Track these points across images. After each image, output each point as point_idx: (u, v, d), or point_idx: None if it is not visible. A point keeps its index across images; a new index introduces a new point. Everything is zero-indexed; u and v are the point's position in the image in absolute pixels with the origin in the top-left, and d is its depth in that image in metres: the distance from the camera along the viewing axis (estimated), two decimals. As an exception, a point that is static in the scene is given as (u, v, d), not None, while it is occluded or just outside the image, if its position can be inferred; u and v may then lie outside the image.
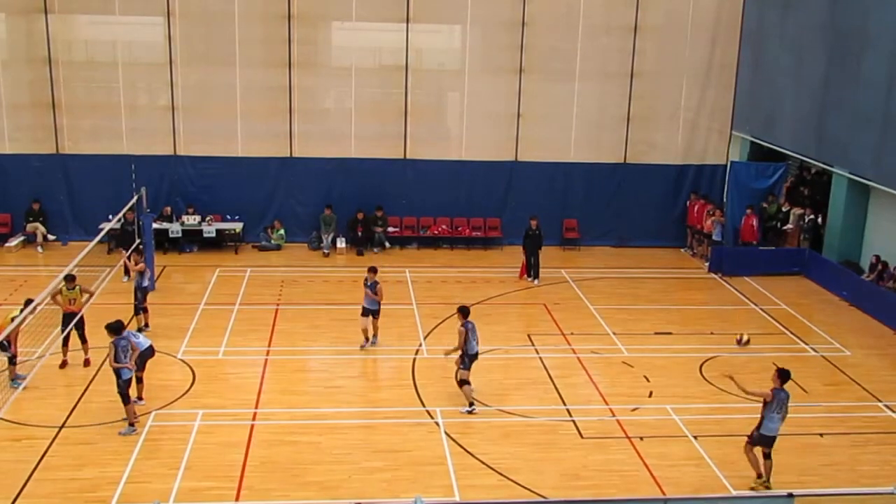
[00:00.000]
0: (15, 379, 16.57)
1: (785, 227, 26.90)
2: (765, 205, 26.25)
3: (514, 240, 25.80)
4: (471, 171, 27.14)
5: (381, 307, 19.15)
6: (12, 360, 16.65)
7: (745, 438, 14.19)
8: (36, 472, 14.07)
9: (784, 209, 27.27)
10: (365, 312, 19.01)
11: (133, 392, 15.78)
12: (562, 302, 22.69)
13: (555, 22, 26.66)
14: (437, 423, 15.98)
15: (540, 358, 19.00)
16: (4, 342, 15.85)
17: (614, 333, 20.55)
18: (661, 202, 27.87)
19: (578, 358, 19.09)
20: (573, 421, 16.19)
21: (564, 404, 16.86)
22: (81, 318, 17.76)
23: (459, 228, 27.41)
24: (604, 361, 18.97)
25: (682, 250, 27.69)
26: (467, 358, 16.36)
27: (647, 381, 17.98)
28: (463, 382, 16.37)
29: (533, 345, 19.72)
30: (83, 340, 17.92)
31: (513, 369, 18.48)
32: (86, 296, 17.95)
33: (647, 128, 27.56)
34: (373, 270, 19.05)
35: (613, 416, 16.45)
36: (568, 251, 27.33)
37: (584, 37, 26.83)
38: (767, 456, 14.09)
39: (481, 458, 14.78)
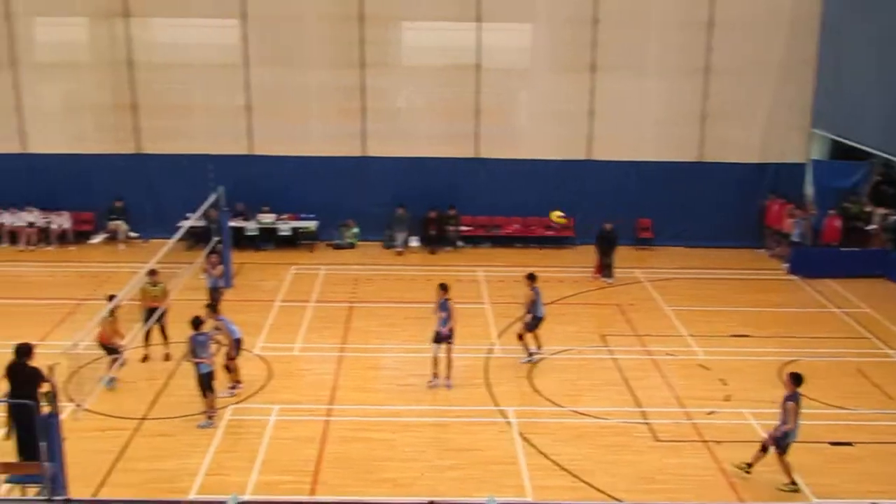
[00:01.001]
0: (111, 380, 16.89)
1: (868, 228, 26.20)
2: (847, 205, 25.62)
3: (586, 239, 25.61)
4: (543, 169, 26.99)
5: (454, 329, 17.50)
6: (115, 356, 16.89)
7: (827, 445, 13.89)
8: (119, 462, 14.43)
9: (867, 209, 26.57)
10: (437, 338, 17.36)
11: (219, 384, 16.08)
12: (636, 303, 22.45)
13: (627, 18, 26.34)
14: (509, 423, 15.95)
15: (614, 359, 18.84)
16: (107, 345, 16.34)
17: (690, 335, 20.26)
18: (738, 201, 27.29)
19: (653, 359, 18.88)
20: (648, 423, 16.01)
21: (639, 406, 16.69)
22: (163, 313, 18.15)
23: (532, 227, 27.31)
24: (679, 364, 18.73)
25: (760, 251, 27.14)
26: (535, 321, 18.04)
27: (724, 384, 17.68)
28: (521, 337, 18.14)
29: (606, 346, 19.56)
30: (164, 336, 18.31)
31: (586, 370, 18.35)
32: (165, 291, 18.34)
33: (723, 125, 27.07)
34: (443, 288, 17.36)
35: (689, 419, 16.22)
36: (642, 251, 27.02)
37: (657, 32, 26.49)
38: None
39: (554, 459, 14.71)
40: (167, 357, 18.30)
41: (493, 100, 27.06)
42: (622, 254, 25.04)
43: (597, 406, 16.59)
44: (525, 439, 15.35)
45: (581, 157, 27.07)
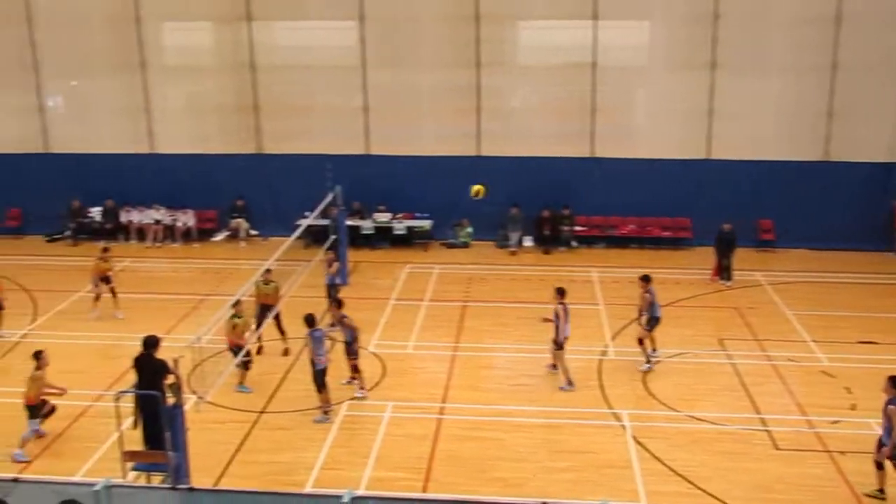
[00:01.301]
0: (242, 384, 17.24)
1: None
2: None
3: (705, 240, 25.07)
4: (659, 169, 26.53)
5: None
6: (246, 365, 17.26)
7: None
8: (238, 453, 14.86)
9: None
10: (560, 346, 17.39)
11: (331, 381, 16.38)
12: (756, 306, 21.85)
13: (749, 14, 25.61)
14: (623, 427, 15.75)
15: (732, 364, 18.38)
16: (234, 348, 16.83)
17: (812, 341, 19.60)
18: (865, 202, 26.19)
19: (774, 365, 18.33)
20: (767, 431, 15.57)
21: (758, 413, 16.24)
22: (278, 310, 18.58)
23: (648, 228, 26.89)
24: (801, 370, 18.14)
25: (889, 254, 26.03)
26: (654, 321, 17.91)
27: (849, 392, 17.04)
28: (641, 342, 17.91)
29: (724, 350, 19.10)
30: (281, 332, 18.74)
31: (703, 375, 17.96)
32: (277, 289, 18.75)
33: (850, 123, 26.02)
34: (560, 293, 17.43)
35: (811, 428, 15.70)
36: (763, 253, 26.26)
37: (781, 28, 25.68)
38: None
39: (669, 464, 14.45)
40: (286, 352, 18.73)
41: (609, 98, 26.73)
42: (742, 255, 24.38)
43: (714, 411, 16.22)
44: (639, 443, 15.13)
45: (700, 156, 26.49)
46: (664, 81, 26.52)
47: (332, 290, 20.44)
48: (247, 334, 17.21)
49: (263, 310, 18.43)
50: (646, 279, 18.31)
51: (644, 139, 27.13)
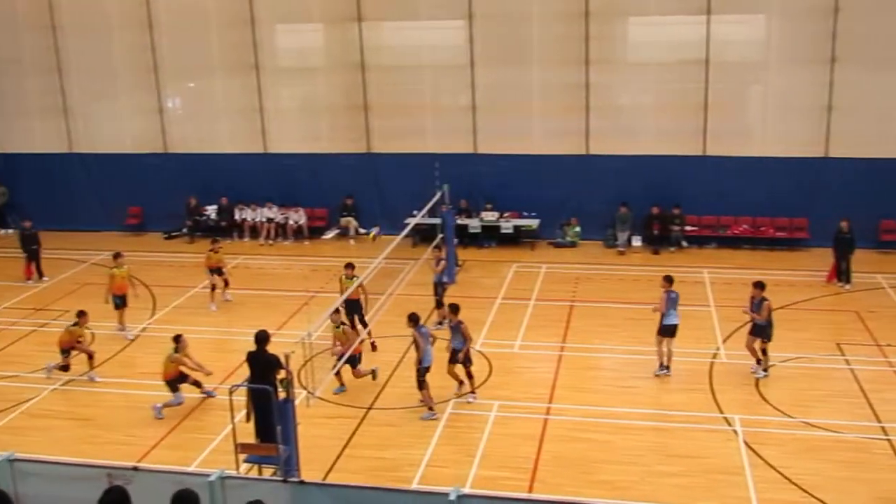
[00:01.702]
0: (341, 385, 17.37)
1: None
2: None
3: (822, 241, 24.24)
4: (775, 167, 25.77)
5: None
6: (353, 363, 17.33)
7: None
8: (346, 448, 15.09)
9: None
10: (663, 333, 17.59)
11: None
12: (877, 310, 21.02)
13: (871, 6, 24.67)
14: (734, 432, 15.39)
15: (851, 369, 17.74)
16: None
17: (938, 346, 18.79)
18: None
19: (895, 371, 17.65)
20: (888, 440, 14.97)
21: (879, 421, 15.61)
22: (359, 303, 18.79)
23: (762, 228, 26.16)
24: (924, 376, 17.41)
25: None
26: (771, 329, 17.28)
27: (977, 400, 16.28)
28: (754, 349, 17.37)
29: (843, 354, 18.45)
30: (364, 325, 18.90)
31: (819, 380, 17.39)
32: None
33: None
34: (668, 280, 17.88)
35: (936, 436, 15.07)
36: (885, 254, 25.18)
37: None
38: None
39: (782, 472, 14.04)
40: (374, 347, 18.84)
41: (722, 95, 26.09)
42: (861, 257, 23.48)
43: (830, 418, 15.68)
44: (751, 449, 14.75)
45: (818, 154, 25.63)
46: (780, 77, 25.75)
47: (438, 288, 20.55)
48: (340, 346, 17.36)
49: (348, 305, 18.45)
50: (760, 286, 17.53)
51: (758, 137, 26.41)
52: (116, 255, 20.68)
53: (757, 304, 17.28)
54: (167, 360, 16.33)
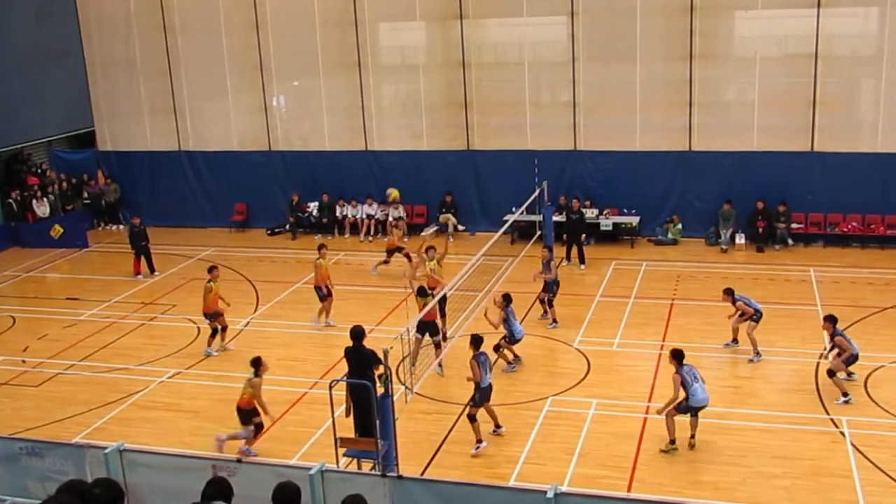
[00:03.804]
0: (440, 367, 17.62)
1: None
2: None
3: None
4: (886, 163, 24.86)
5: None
6: (437, 344, 17.70)
7: None
8: (444, 444, 15.19)
9: None
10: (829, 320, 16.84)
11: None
12: None
13: None
14: (842, 434, 14.95)
15: (966, 371, 17.07)
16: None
17: None
18: None
19: None
20: None
21: None
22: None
23: (872, 226, 25.29)
24: None
25: None
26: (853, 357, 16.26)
27: None
28: (832, 373, 16.21)
29: (957, 356, 17.75)
30: (442, 314, 18.94)
31: (933, 382, 16.78)
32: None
33: None
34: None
35: None
36: None
37: None
38: None
39: (893, 476, 13.60)
40: (444, 337, 18.68)
41: (833, 90, 25.28)
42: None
43: (945, 423, 15.12)
44: (860, 452, 14.32)
45: (932, 149, 24.69)
46: (893, 71, 24.80)
47: (553, 287, 20.23)
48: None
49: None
50: (831, 319, 16.55)
51: (869, 132, 25.52)
52: (211, 269, 19.91)
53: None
54: (247, 384, 15.17)
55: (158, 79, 30.44)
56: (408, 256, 23.63)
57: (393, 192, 24.52)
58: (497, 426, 15.38)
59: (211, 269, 19.85)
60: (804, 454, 14.40)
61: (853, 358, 16.31)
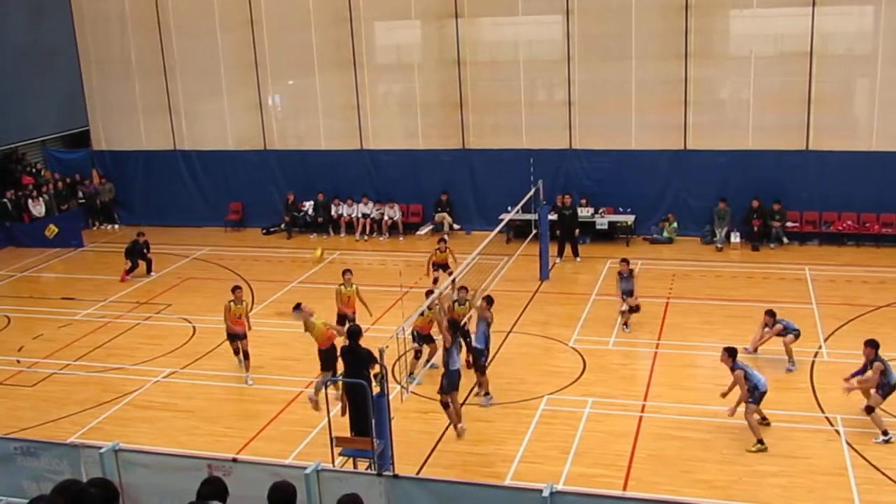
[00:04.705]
0: (412, 374, 17.20)
1: None
2: None
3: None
4: (882, 162, 24.90)
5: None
6: (417, 355, 17.47)
7: None
8: (440, 443, 15.18)
9: None
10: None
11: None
12: None
13: None
14: (837, 432, 14.98)
15: (961, 369, 17.07)
16: (415, 332, 17.17)
17: None
18: None
19: None
20: None
21: None
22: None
23: (867, 224, 25.33)
24: None
25: None
26: (888, 389, 14.91)
27: None
28: (870, 409, 14.95)
29: (952, 354, 17.76)
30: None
31: (927, 380, 16.76)
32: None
33: None
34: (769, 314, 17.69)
35: None
36: None
37: None
38: None
39: (888, 474, 13.63)
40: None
41: (828, 88, 25.29)
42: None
43: (940, 421, 15.14)
44: (855, 450, 14.35)
45: (927, 148, 24.74)
46: (889, 69, 24.84)
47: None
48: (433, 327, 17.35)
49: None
50: (873, 344, 15.26)
51: (864, 131, 25.55)
52: (235, 289, 18.53)
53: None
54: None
55: (153, 77, 30.39)
56: (452, 277, 19.79)
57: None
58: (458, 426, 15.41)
59: (235, 290, 18.38)
60: (800, 452, 14.41)
61: (888, 389, 14.94)
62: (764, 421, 15.07)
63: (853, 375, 15.55)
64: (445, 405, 15.18)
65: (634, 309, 19.73)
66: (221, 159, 30.38)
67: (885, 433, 14.70)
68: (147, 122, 31.05)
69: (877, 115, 25.40)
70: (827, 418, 15.47)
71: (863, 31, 25.65)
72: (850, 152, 25.22)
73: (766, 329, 17.80)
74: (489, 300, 17.05)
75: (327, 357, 15.97)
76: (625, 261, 20.12)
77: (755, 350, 18.06)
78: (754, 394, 14.75)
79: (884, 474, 13.62)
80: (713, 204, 25.97)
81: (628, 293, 19.74)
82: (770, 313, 17.84)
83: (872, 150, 25.06)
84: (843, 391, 15.43)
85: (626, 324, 19.73)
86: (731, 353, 15.01)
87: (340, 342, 14.81)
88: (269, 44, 29.24)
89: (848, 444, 14.55)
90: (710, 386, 16.81)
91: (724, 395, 15.31)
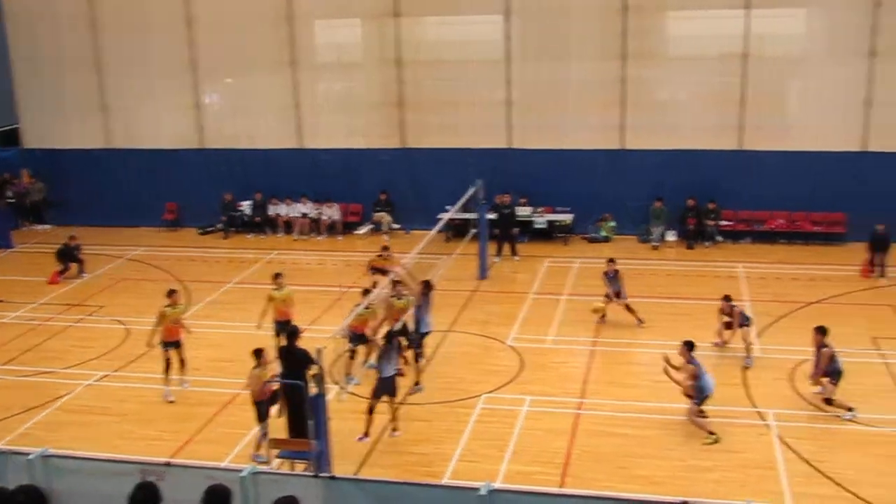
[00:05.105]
0: (349, 375, 17.15)
1: None
2: None
3: (859, 236, 23.90)
4: (813, 162, 25.43)
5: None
6: (352, 355, 17.36)
7: None
8: (378, 444, 15.13)
9: None
10: None
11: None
12: (915, 304, 20.79)
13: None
14: (768, 426, 15.28)
15: (886, 363, 17.54)
16: (350, 333, 17.08)
17: (977, 341, 18.49)
18: None
19: (934, 366, 17.44)
20: (926, 435, 14.83)
21: (916, 416, 15.48)
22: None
23: (798, 223, 25.87)
24: (963, 372, 17.16)
25: None
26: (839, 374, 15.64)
27: None
28: (829, 402, 15.57)
29: (878, 349, 18.23)
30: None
31: (855, 375, 16.99)
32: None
33: None
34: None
35: (975, 432, 14.84)
36: (923, 249, 24.90)
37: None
38: None
39: (817, 466, 13.95)
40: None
41: (762, 89, 25.75)
42: (899, 252, 23.27)
43: (866, 413, 15.48)
44: (785, 444, 14.65)
45: (856, 148, 25.28)
46: (819, 71, 25.41)
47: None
48: (370, 323, 17.31)
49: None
50: (822, 331, 15.91)
51: (797, 131, 26.05)
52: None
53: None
54: (249, 378, 14.85)
55: (87, 75, 29.77)
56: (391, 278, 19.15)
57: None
58: (394, 429, 15.32)
59: (170, 293, 17.59)
60: (733, 447, 14.67)
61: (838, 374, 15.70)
62: (702, 414, 15.30)
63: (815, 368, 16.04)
64: (370, 410, 15.00)
65: (628, 308, 19.95)
66: (157, 158, 29.89)
67: (849, 409, 15.39)
68: (80, 120, 30.44)
69: (808, 116, 25.97)
70: (758, 413, 15.76)
71: (795, 33, 26.21)
72: (782, 152, 25.71)
73: (726, 318, 18.17)
74: (427, 284, 17.21)
75: (261, 409, 14.73)
76: (611, 261, 20.28)
77: (724, 343, 18.40)
78: (700, 395, 14.97)
79: (812, 466, 13.93)
80: (650, 203, 26.29)
81: (616, 294, 19.94)
82: (727, 298, 18.18)
83: (804, 150, 25.56)
84: (812, 385, 16.07)
85: (602, 317, 20.04)
86: (689, 346, 15.31)
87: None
88: (207, 42, 28.82)
89: (779, 437, 14.85)
90: (647, 383, 17.06)
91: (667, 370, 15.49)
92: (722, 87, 26.04)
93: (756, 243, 25.93)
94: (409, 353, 17.19)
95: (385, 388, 15.03)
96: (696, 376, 15.07)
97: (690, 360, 15.21)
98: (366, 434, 14.97)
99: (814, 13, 25.49)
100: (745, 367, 17.58)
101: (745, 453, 14.47)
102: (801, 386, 16.63)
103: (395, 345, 15.36)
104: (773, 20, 25.84)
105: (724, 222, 26.13)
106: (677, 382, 15.36)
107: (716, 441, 14.77)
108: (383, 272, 21.20)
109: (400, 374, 15.33)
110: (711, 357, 17.81)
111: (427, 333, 17.58)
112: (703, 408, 15.31)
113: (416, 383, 16.89)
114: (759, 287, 22.21)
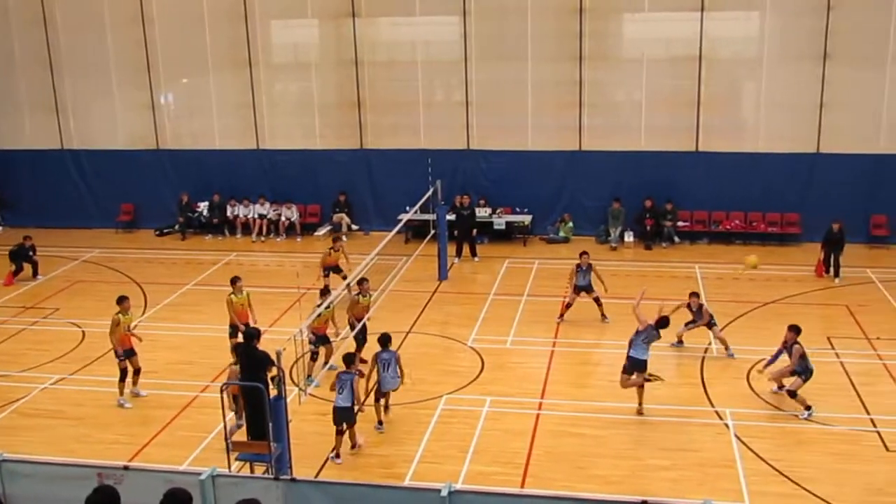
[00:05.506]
0: (311, 376, 17.03)
1: None
2: None
3: (814, 236, 24.29)
4: (767, 163, 25.83)
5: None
6: (314, 356, 17.25)
7: None
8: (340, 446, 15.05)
9: None
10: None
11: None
12: (867, 304, 21.10)
13: (864, 2, 24.73)
14: (726, 425, 15.44)
15: (840, 363, 17.82)
16: (311, 335, 16.98)
17: (928, 340, 18.85)
18: None
19: (885, 365, 17.71)
20: (878, 432, 15.06)
21: (868, 414, 15.72)
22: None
23: (754, 223, 26.22)
24: (914, 370, 17.48)
25: None
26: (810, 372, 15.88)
27: (966, 393, 16.36)
28: (792, 394, 15.78)
29: (833, 348, 18.52)
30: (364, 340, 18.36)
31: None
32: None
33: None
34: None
35: (925, 429, 15.13)
36: (875, 249, 25.33)
37: (898, 18, 24.74)
38: None
39: (774, 465, 14.11)
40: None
41: (717, 91, 26.10)
42: (852, 252, 23.66)
43: (821, 411, 15.70)
44: (742, 442, 14.82)
45: (810, 150, 25.68)
46: (773, 74, 25.77)
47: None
48: (329, 327, 17.34)
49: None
50: (796, 329, 16.12)
51: (751, 133, 26.45)
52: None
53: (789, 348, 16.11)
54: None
55: (39, 74, 29.36)
56: (347, 282, 19.48)
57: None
58: (353, 445, 14.89)
59: (121, 300, 17.07)
60: (690, 446, 14.81)
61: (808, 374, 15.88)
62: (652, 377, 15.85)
63: (767, 364, 16.37)
64: (338, 432, 14.67)
65: (597, 301, 20.22)
66: (112, 159, 29.53)
67: (808, 408, 15.60)
68: (32, 119, 29.99)
69: (762, 117, 26.33)
70: (716, 412, 15.93)
71: (749, 36, 26.54)
72: (737, 153, 26.06)
73: (694, 313, 18.37)
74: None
75: (239, 403, 14.41)
76: (585, 253, 20.53)
77: (680, 341, 18.65)
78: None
79: (770, 465, 14.09)
80: (607, 204, 26.50)
81: (586, 287, 20.12)
82: (695, 294, 18.42)
83: (758, 152, 25.95)
84: (768, 381, 16.37)
85: (603, 315, 20.27)
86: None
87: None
88: (162, 41, 28.57)
89: (736, 436, 15.01)
90: (605, 383, 17.17)
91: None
92: (678, 88, 26.32)
93: (713, 244, 26.23)
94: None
95: (343, 416, 14.66)
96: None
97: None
98: (337, 455, 14.68)
99: (768, 16, 25.84)
100: (730, 357, 18.06)
101: (702, 452, 14.60)
102: (759, 385, 16.83)
103: (350, 376, 14.72)
104: (727, 23, 26.22)
105: (681, 223, 26.40)
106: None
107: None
108: (336, 270, 21.26)
109: (360, 374, 15.23)
110: (669, 357, 17.98)
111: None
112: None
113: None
114: (717, 287, 22.46)
